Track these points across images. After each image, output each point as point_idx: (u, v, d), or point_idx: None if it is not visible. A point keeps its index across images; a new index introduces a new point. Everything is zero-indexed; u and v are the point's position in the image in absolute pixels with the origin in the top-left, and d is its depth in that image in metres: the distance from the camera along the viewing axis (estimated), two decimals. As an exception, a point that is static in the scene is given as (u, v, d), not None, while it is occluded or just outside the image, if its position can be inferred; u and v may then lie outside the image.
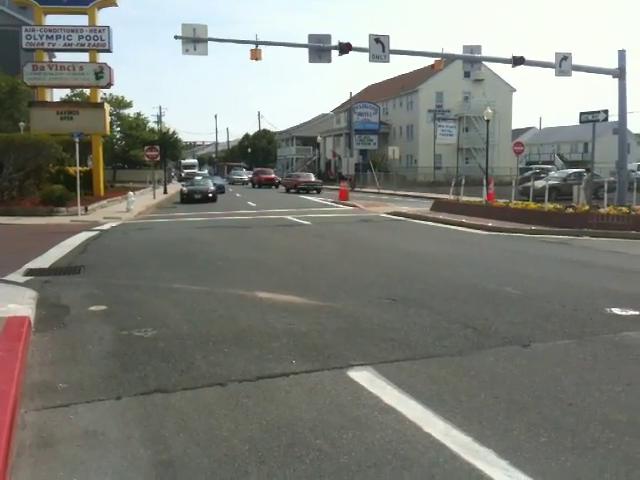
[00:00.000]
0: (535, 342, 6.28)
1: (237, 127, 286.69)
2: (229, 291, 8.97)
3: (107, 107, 34.76)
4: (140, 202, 31.03)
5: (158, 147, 38.99)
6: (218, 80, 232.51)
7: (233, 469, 3.66)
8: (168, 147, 61.56)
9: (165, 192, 43.36)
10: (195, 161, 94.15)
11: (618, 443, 3.98)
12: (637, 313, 7.50)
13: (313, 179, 48.66)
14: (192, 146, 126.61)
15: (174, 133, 75.92)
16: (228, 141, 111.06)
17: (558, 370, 5.45)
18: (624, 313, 7.50)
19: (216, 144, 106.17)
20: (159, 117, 70.55)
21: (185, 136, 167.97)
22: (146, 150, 38.14)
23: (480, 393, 4.86)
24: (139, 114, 66.96)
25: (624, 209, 18.29)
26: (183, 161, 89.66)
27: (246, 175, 69.70)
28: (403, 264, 11.82)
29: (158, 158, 38.79)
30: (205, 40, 23.89)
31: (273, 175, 59.57)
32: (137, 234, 17.72)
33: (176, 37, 23.55)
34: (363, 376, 5.21)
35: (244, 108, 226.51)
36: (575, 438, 4.06)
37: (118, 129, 62.54)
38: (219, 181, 46.70)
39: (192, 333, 6.63)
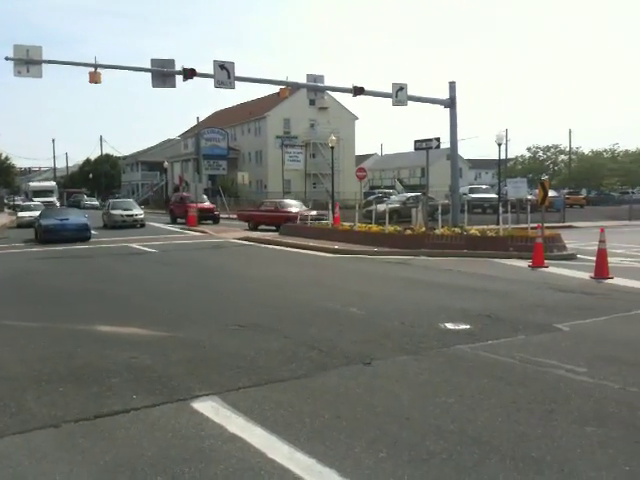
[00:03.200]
0: (376, 359, 6.53)
1: (77, 152, 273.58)
2: (66, 326, 8.47)
3: None
4: (-33, 232, 28.50)
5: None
6: (56, 103, 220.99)
7: (65, 517, 3.43)
8: (0, 174, 57.23)
9: (-3, 221, 40.27)
10: (52, 184, 67.00)
11: (450, 452, 4.23)
12: (468, 327, 8.05)
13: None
14: (27, 172, 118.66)
15: (7, 159, 70.83)
16: (67, 166, 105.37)
17: (397, 386, 5.70)
18: (456, 327, 8.03)
19: (54, 170, 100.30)
20: (-10, 141, 65.53)
21: (19, 161, 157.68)
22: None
23: (324, 414, 4.96)
24: (-36, 138, 61.78)
25: (457, 229, 19.62)
26: (32, 184, 68.05)
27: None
28: (251, 289, 11.83)
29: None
30: (39, 62, 22.61)
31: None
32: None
33: (7, 58, 22.08)
34: (208, 406, 5.12)
35: (85, 132, 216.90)
36: (412, 451, 4.25)
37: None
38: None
39: (24, 373, 6.16)
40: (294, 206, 31.12)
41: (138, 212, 33.77)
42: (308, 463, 4.04)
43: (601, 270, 12.52)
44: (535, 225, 17.65)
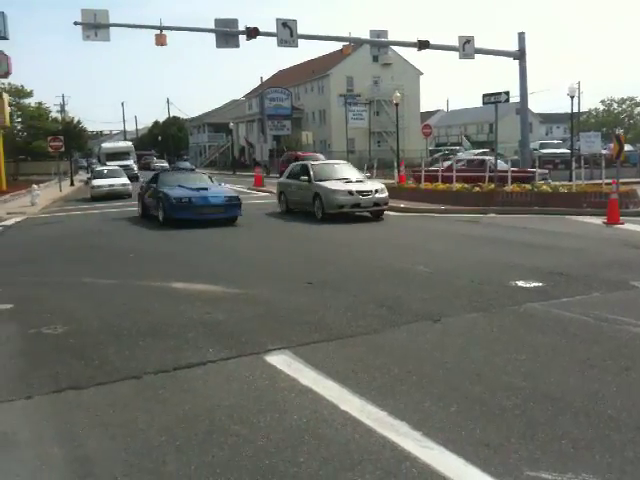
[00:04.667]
0: (445, 317, 6.52)
1: (146, 115, 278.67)
2: (141, 283, 8.80)
3: (6, 97, 33.14)
4: (45, 195, 29.77)
5: (62, 137, 37.39)
6: (123, 67, 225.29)
7: (150, 460, 3.63)
8: (73, 137, 58.97)
9: (72, 184, 41.79)
10: (128, 145, 54.77)
11: (522, 408, 4.21)
12: (540, 284, 7.91)
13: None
14: (99, 136, 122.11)
15: (79, 122, 72.91)
16: (137, 129, 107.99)
17: (466, 342, 5.69)
18: (528, 285, 7.90)
19: (124, 133, 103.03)
20: (62, 106, 67.46)
21: (91, 125, 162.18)
22: (49, 141, 36.50)
23: (394, 368, 5.01)
24: (40, 104, 64.00)
25: (527, 186, 19.12)
26: (105, 145, 55.39)
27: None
28: (318, 249, 11.94)
29: (63, 149, 37.21)
30: (107, 26, 23.12)
31: None
32: (43, 229, 17.02)
33: (76, 23, 22.64)
34: (280, 360, 5.26)
35: (152, 95, 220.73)
36: (483, 406, 4.26)
37: (19, 120, 59.52)
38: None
39: (104, 328, 6.47)
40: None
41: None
42: (379, 415, 4.11)
43: (681, 226, 12.05)
44: (610, 181, 16.98)
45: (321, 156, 35.38)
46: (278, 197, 19.41)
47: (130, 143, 56.46)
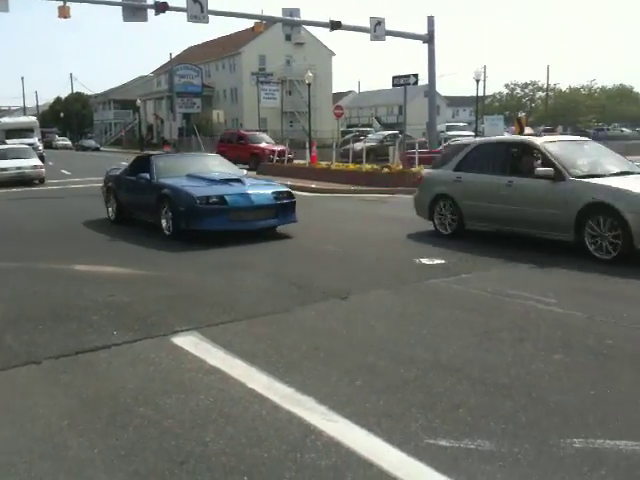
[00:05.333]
0: (352, 294, 6.66)
1: (47, 91, 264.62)
2: (42, 266, 8.45)
3: None
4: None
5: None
6: (23, 40, 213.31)
7: (52, 445, 3.54)
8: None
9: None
10: (31, 120, 46.14)
11: (424, 380, 4.39)
12: (443, 262, 8.21)
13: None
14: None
15: (-27, 97, 68.53)
16: (37, 105, 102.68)
17: (372, 319, 5.85)
18: (431, 262, 8.18)
19: (24, 109, 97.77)
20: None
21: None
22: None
23: (302, 346, 5.09)
24: None
25: (434, 167, 19.65)
26: (4, 120, 47.84)
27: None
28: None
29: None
30: (3, -6, 21.78)
31: None
32: None
33: (-32, -11, 21.20)
34: (187, 341, 5.22)
35: (54, 70, 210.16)
36: (387, 379, 4.41)
37: None
38: None
39: (2, 313, 6.18)
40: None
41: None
42: (286, 392, 4.17)
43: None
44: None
45: (266, 136, 34.34)
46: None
47: (34, 118, 48.82)
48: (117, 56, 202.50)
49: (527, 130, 29.14)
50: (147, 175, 11.11)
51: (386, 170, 19.84)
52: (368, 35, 26.67)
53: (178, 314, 6.01)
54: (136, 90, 75.86)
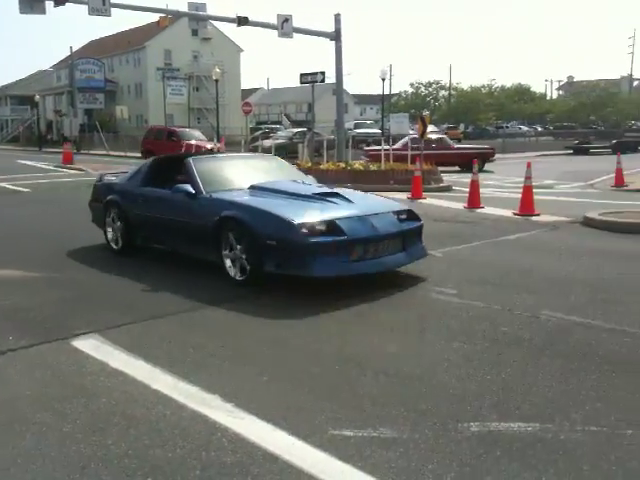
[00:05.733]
0: (263, 293, 6.65)
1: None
2: None
3: None
4: None
5: None
6: None
7: (-61, 460, 3.35)
8: None
9: None
10: None
11: (329, 373, 4.47)
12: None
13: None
14: None
15: None
16: None
17: (282, 315, 5.85)
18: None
19: None
20: None
21: None
22: None
23: (208, 345, 5.05)
24: None
25: (342, 164, 19.95)
26: None
27: None
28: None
29: None
30: None
31: None
32: None
33: None
34: (88, 344, 5.06)
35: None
36: (293, 374, 4.45)
37: None
38: None
39: None
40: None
41: None
42: (191, 391, 4.13)
43: (473, 200, 13.27)
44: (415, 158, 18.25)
45: (198, 132, 33.09)
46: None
47: None
48: (14, 50, 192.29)
49: (430, 128, 30.04)
50: (188, 187, 7.44)
51: (294, 167, 19.91)
52: (276, 31, 26.64)
53: (78, 317, 5.81)
54: (35, 85, 72.53)
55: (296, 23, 27.30)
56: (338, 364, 4.61)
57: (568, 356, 4.73)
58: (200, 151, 25.54)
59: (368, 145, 38.82)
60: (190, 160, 8.05)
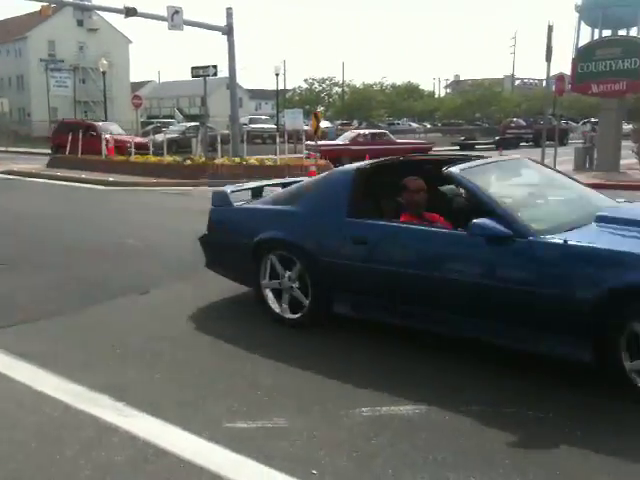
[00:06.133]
0: (154, 288, 6.54)
1: None
2: None
3: None
4: None
5: None
6: None
7: None
8: None
9: None
10: None
11: (224, 367, 4.47)
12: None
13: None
14: None
15: None
16: None
17: (174, 312, 5.77)
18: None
19: None
20: None
21: None
22: None
23: (95, 344, 4.91)
24: None
25: (237, 159, 19.84)
26: None
27: None
28: (15, 226, 10.96)
29: None
30: None
31: None
32: None
33: None
34: (-36, 347, 4.78)
35: None
36: (186, 370, 4.42)
37: None
38: None
39: None
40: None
41: None
42: (78, 391, 4.01)
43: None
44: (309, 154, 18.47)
45: (115, 125, 30.89)
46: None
47: None
48: None
49: (323, 124, 30.44)
50: (496, 226, 4.20)
51: (188, 162, 19.61)
52: (166, 24, 26.03)
53: (-46, 320, 5.47)
54: None
55: (188, 16, 26.79)
56: (233, 359, 4.62)
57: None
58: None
59: (263, 140, 38.87)
60: (463, 174, 4.74)
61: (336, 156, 22.01)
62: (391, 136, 28.05)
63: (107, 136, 24.26)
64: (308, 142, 23.50)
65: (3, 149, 39.01)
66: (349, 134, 27.49)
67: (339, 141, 26.10)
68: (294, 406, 3.83)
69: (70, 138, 24.12)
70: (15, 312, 5.71)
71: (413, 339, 4.87)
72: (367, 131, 28.90)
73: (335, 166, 18.30)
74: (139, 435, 3.45)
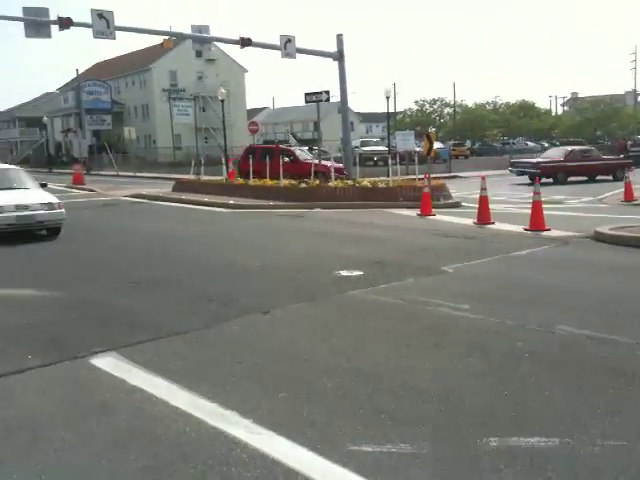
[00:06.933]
0: (274, 308, 6.70)
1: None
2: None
3: None
4: None
5: None
6: None
7: (-36, 477, 3.39)
8: None
9: None
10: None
11: (346, 389, 4.48)
12: (361, 273, 8.38)
13: None
14: None
15: None
16: None
17: (294, 331, 5.91)
18: (350, 274, 8.33)
19: None
20: None
21: None
22: None
23: (224, 361, 5.09)
24: None
25: (349, 182, 20.02)
26: None
27: None
28: (147, 245, 11.64)
29: None
30: None
31: None
32: None
33: None
34: (106, 362, 5.10)
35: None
36: (310, 389, 4.47)
37: None
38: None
39: None
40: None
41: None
42: (210, 407, 4.16)
43: (483, 216, 13.29)
44: (422, 176, 18.32)
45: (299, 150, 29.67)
46: None
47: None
48: (21, 72, 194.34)
49: (437, 145, 30.18)
50: None
51: (303, 185, 20.02)
52: (279, 52, 26.88)
53: (95, 335, 5.86)
54: (42, 107, 73.20)
55: (299, 43, 27.55)
56: (355, 380, 4.63)
57: (584, 370, 4.74)
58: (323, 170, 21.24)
59: (375, 163, 39.00)
60: None
61: (554, 172, 25.65)
62: (598, 152, 29.57)
63: (316, 161, 22.62)
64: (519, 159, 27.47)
65: (131, 174, 41.62)
66: (555, 151, 29.90)
67: (554, 157, 27.60)
68: (420, 432, 3.77)
69: (268, 162, 21.87)
70: (149, 329, 6.03)
71: (547, 370, 4.69)
72: (577, 147, 30.71)
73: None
74: (268, 453, 3.52)
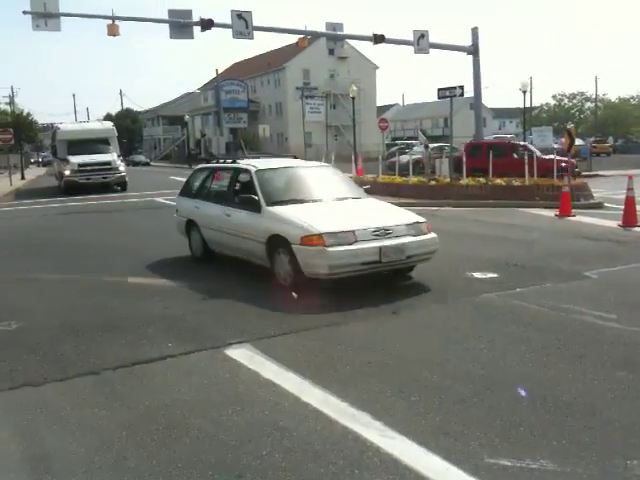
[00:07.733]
0: (403, 309, 6.58)
1: (98, 107, 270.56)
2: (95, 278, 8.62)
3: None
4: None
5: (11, 130, 36.30)
6: (75, 58, 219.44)
7: (111, 456, 3.58)
8: (23, 129, 57.51)
9: (22, 178, 40.65)
10: (106, 127, 30.20)
11: (481, 397, 4.29)
12: (495, 275, 8.05)
13: None
14: (49, 128, 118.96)
15: (29, 114, 70.96)
16: (89, 121, 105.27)
17: (425, 333, 5.77)
18: (483, 276, 8.03)
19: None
20: (11, 98, 65.58)
21: (41, 117, 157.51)
22: (-2, 133, 35.24)
23: (355, 360, 5.05)
24: (-13, 96, 61.61)
25: (482, 180, 19.40)
26: (65, 127, 29.74)
27: None
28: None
29: (12, 142, 36.17)
30: (57, 15, 22.52)
31: None
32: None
33: (25, 12, 21.98)
34: (241, 353, 5.23)
35: (104, 87, 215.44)
36: (442, 395, 4.32)
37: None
38: None
39: (60, 323, 6.33)
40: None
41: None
42: (341, 406, 4.13)
43: (629, 218, 12.36)
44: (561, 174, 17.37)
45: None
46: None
47: (110, 124, 31.49)
48: (165, 73, 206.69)
49: (577, 141, 28.56)
50: None
51: (433, 182, 19.67)
52: (412, 48, 26.59)
53: (229, 326, 6.04)
54: (184, 106, 77.36)
55: (432, 38, 27.10)
56: (491, 388, 4.42)
57: None
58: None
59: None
60: None
61: None
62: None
63: (545, 157, 21.35)
64: None
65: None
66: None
67: None
68: (562, 448, 3.53)
69: (495, 159, 19.17)
70: (282, 322, 6.12)
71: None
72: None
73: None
74: (401, 459, 3.43)
